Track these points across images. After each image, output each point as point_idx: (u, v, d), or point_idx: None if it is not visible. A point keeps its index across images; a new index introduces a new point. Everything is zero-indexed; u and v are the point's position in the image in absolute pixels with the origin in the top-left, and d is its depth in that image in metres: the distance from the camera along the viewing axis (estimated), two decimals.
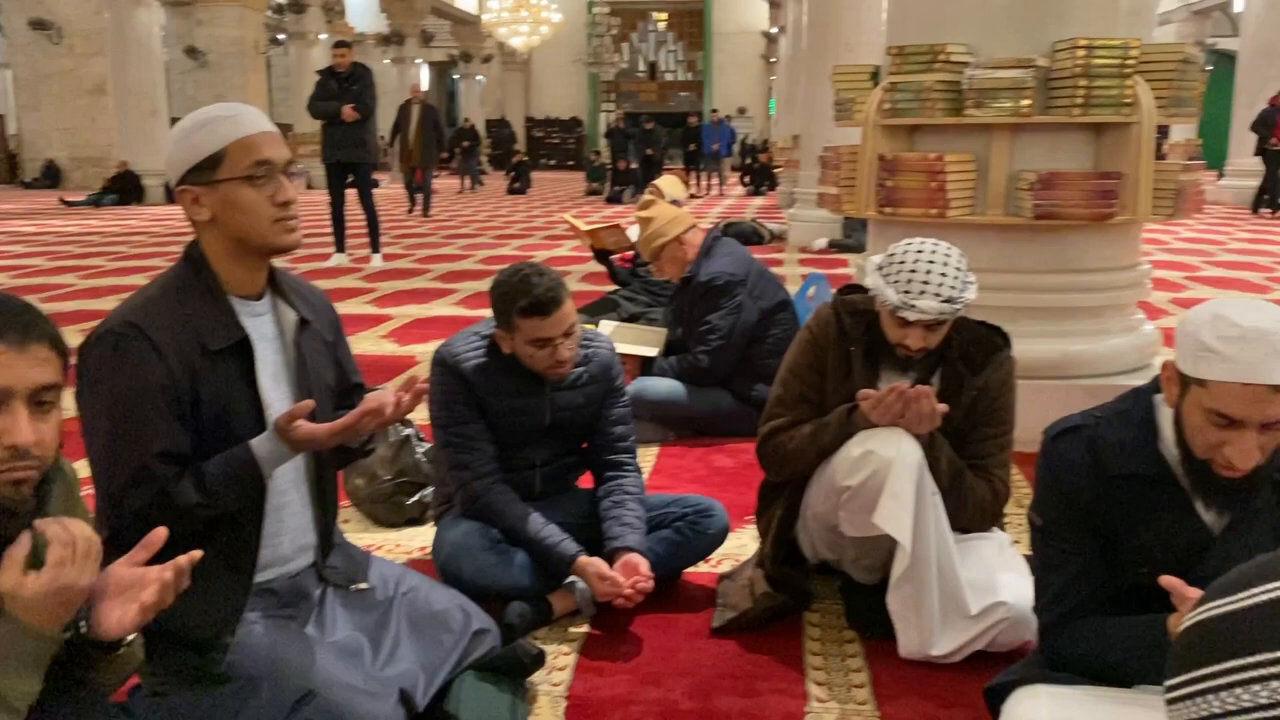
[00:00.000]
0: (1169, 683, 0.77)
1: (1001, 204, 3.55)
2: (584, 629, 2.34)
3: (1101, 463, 1.63)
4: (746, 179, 22.66)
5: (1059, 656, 1.69)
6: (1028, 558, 2.38)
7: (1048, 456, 1.71)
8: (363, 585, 1.93)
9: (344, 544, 2.01)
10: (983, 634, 2.13)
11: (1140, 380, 3.60)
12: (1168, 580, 1.45)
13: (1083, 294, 3.61)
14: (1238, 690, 0.69)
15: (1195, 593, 1.44)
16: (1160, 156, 3.73)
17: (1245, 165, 16.24)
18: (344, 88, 8.52)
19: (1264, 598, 0.71)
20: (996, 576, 2.16)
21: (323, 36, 22.90)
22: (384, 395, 1.76)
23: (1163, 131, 3.75)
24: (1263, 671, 0.68)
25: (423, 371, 3.76)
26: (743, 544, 2.79)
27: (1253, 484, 1.52)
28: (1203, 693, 0.71)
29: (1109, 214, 3.40)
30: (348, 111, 8.37)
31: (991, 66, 3.41)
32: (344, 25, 25.26)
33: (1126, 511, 1.62)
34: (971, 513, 2.25)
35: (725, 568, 2.61)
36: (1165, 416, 1.61)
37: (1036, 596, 1.76)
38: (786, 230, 11.00)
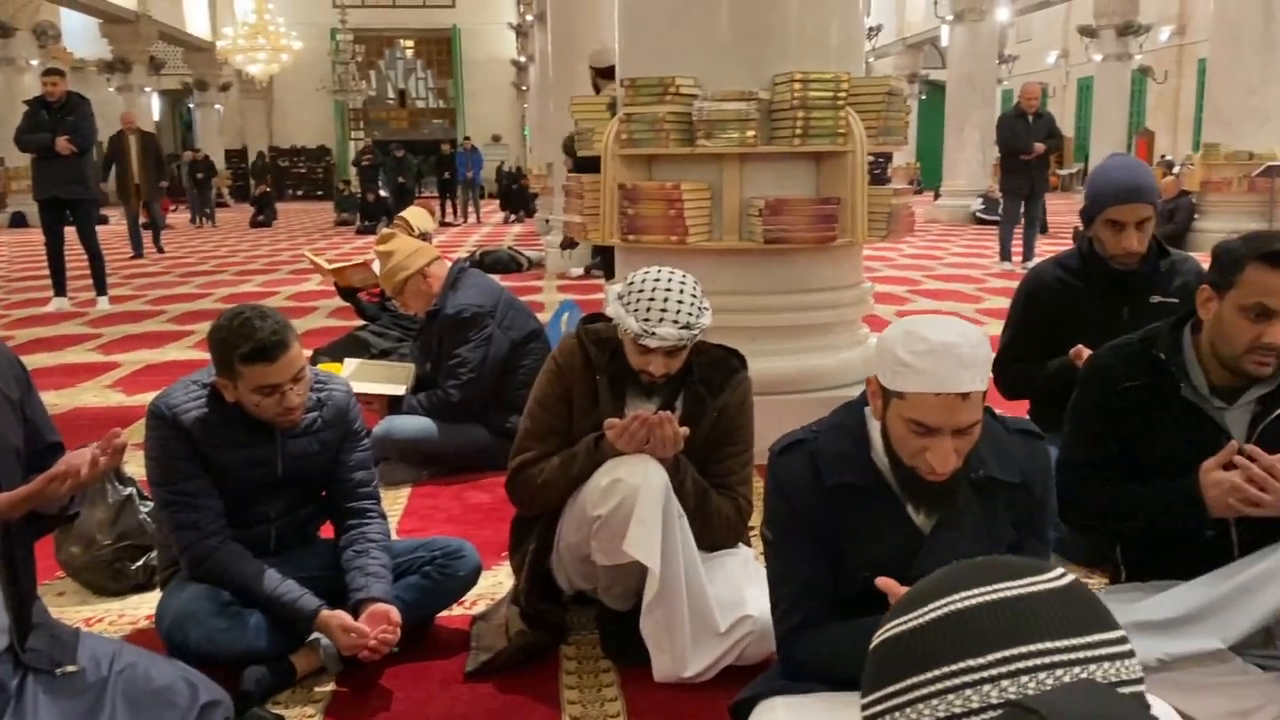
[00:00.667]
0: (863, 701, 0.79)
1: (735, 230, 3.70)
2: (330, 687, 2.22)
3: (821, 474, 1.71)
4: (506, 207, 22.65)
5: (795, 666, 1.75)
6: None
7: (774, 472, 1.77)
8: (70, 668, 1.74)
9: (47, 623, 1.82)
10: (731, 649, 2.19)
11: None
12: (883, 582, 1.54)
13: (812, 312, 3.81)
14: (920, 706, 0.72)
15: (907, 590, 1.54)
16: (885, 180, 4.00)
17: (958, 186, 17.78)
18: (57, 118, 7.85)
19: (939, 613, 0.74)
20: (743, 591, 2.22)
21: (34, 62, 21.02)
22: (79, 455, 1.60)
23: (886, 157, 4.03)
24: (941, 685, 0.71)
25: None
26: (498, 581, 2.75)
27: (953, 485, 1.64)
28: (891, 710, 0.74)
29: (831, 237, 3.61)
30: (62, 144, 7.71)
31: (718, 99, 3.56)
32: (61, 51, 23.29)
33: (846, 519, 1.70)
34: (717, 531, 2.31)
35: (480, 608, 2.56)
36: (874, 427, 1.71)
37: (772, 609, 1.82)
38: (544, 257, 11.05)
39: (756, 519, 2.74)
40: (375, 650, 2.14)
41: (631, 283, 2.23)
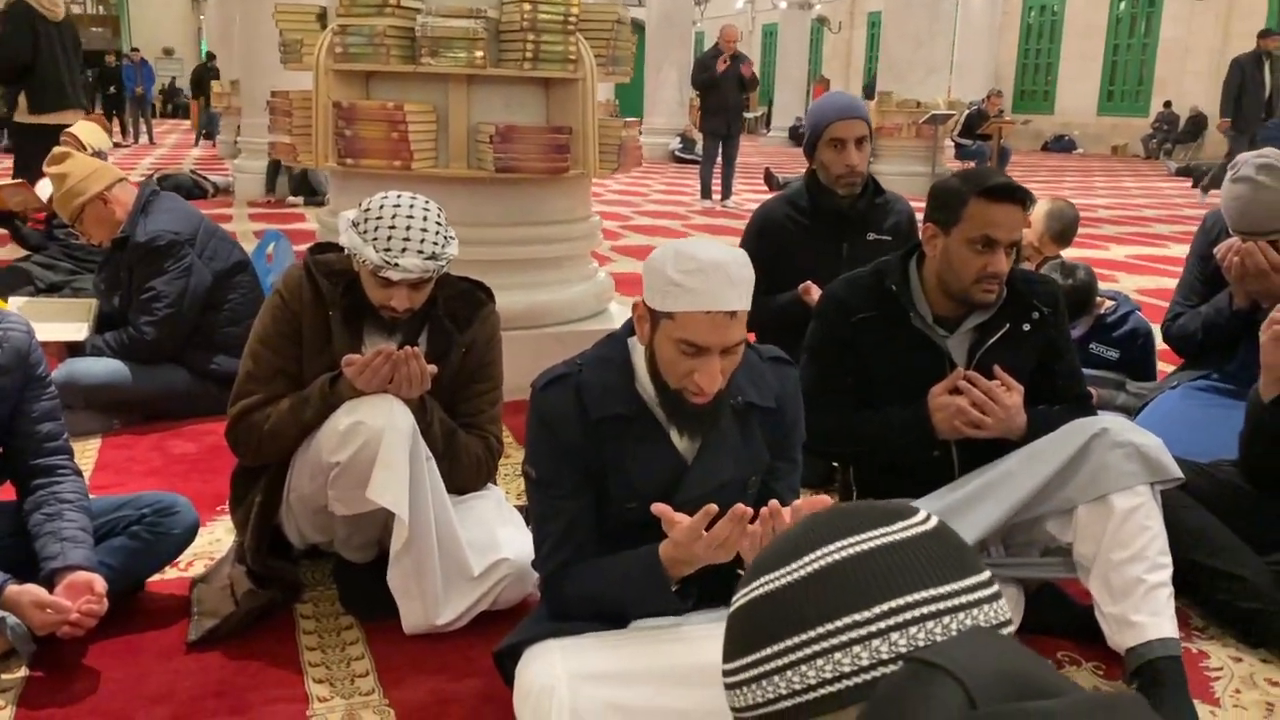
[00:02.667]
0: (726, 667, 0.73)
1: (464, 157, 3.53)
2: (22, 673, 1.92)
3: (587, 407, 1.66)
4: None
5: (563, 605, 1.70)
6: (521, 509, 2.42)
7: (538, 407, 1.70)
8: None
9: None
10: (487, 593, 2.10)
11: (600, 324, 3.87)
12: (659, 508, 1.53)
13: (545, 245, 3.73)
14: (802, 668, 0.67)
15: (682, 517, 1.52)
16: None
17: (657, 124, 18.19)
18: None
19: (814, 567, 0.69)
20: (496, 533, 2.14)
21: None
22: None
23: None
24: (827, 643, 0.66)
25: None
26: (216, 539, 2.50)
27: (717, 409, 1.64)
28: (769, 674, 0.68)
29: (564, 167, 3.53)
30: None
31: (444, 15, 3.35)
32: None
33: (613, 451, 1.67)
34: (467, 472, 2.20)
35: (198, 570, 2.31)
36: (639, 356, 1.68)
37: (536, 549, 1.76)
38: (232, 183, 10.20)
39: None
40: (77, 625, 1.87)
41: (368, 209, 2.05)
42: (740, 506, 1.49)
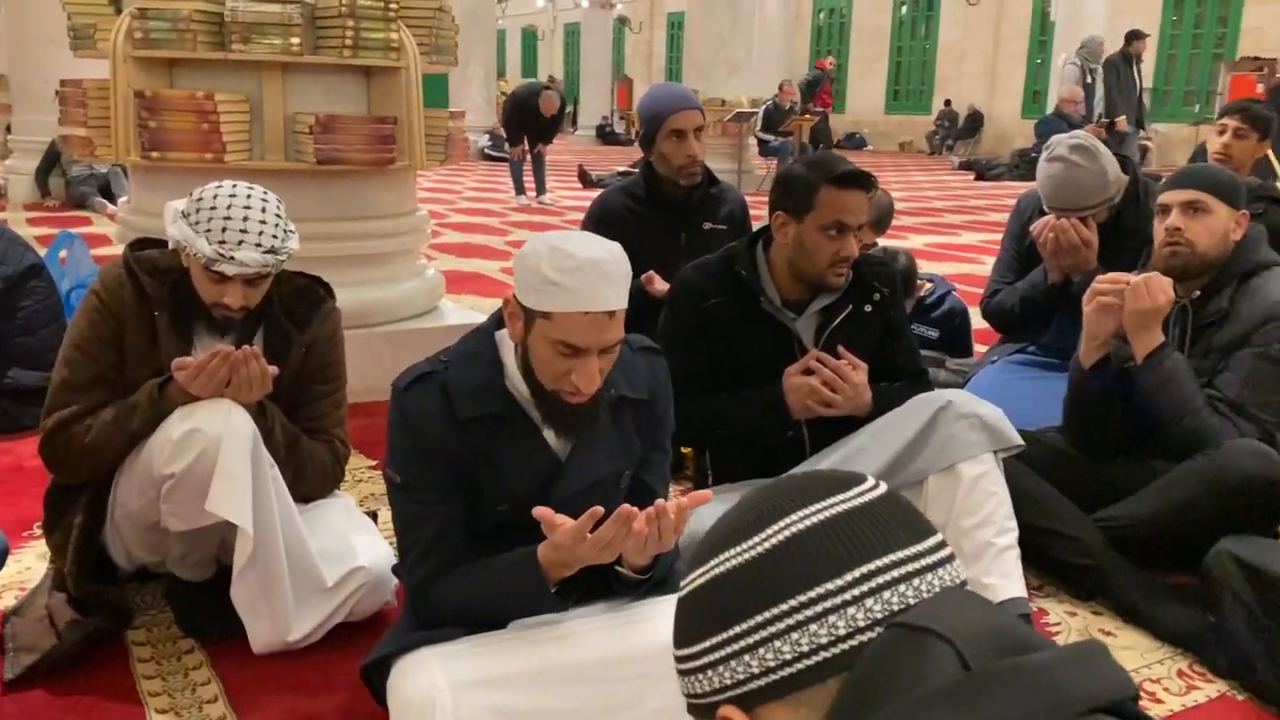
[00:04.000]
0: (683, 652, 0.70)
1: (280, 149, 3.35)
2: None
3: (454, 407, 1.59)
4: None
5: (435, 613, 1.63)
6: (371, 514, 2.32)
7: (401, 407, 1.62)
8: None
9: None
10: (343, 605, 2.00)
11: (432, 322, 3.76)
12: (540, 512, 1.48)
13: (372, 241, 3.59)
14: (775, 644, 0.64)
15: (564, 519, 1.48)
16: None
17: (466, 121, 17.85)
18: None
19: (778, 538, 0.67)
20: (350, 540, 2.03)
21: None
22: None
23: None
24: (800, 616, 0.64)
25: None
26: (27, 567, 2.27)
27: (594, 406, 1.60)
28: (740, 652, 0.65)
29: (390, 159, 3.40)
30: None
31: (256, 0, 3.17)
32: None
33: (482, 452, 1.61)
34: (314, 480, 2.08)
35: (9, 602, 2.09)
36: (507, 352, 1.62)
37: (402, 556, 1.68)
38: (4, 186, 9.35)
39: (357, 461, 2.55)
40: None
41: (201, 198, 1.90)
42: (626, 508, 1.46)
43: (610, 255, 1.51)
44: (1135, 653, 2.06)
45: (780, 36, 22.08)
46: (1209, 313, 2.35)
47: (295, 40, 3.21)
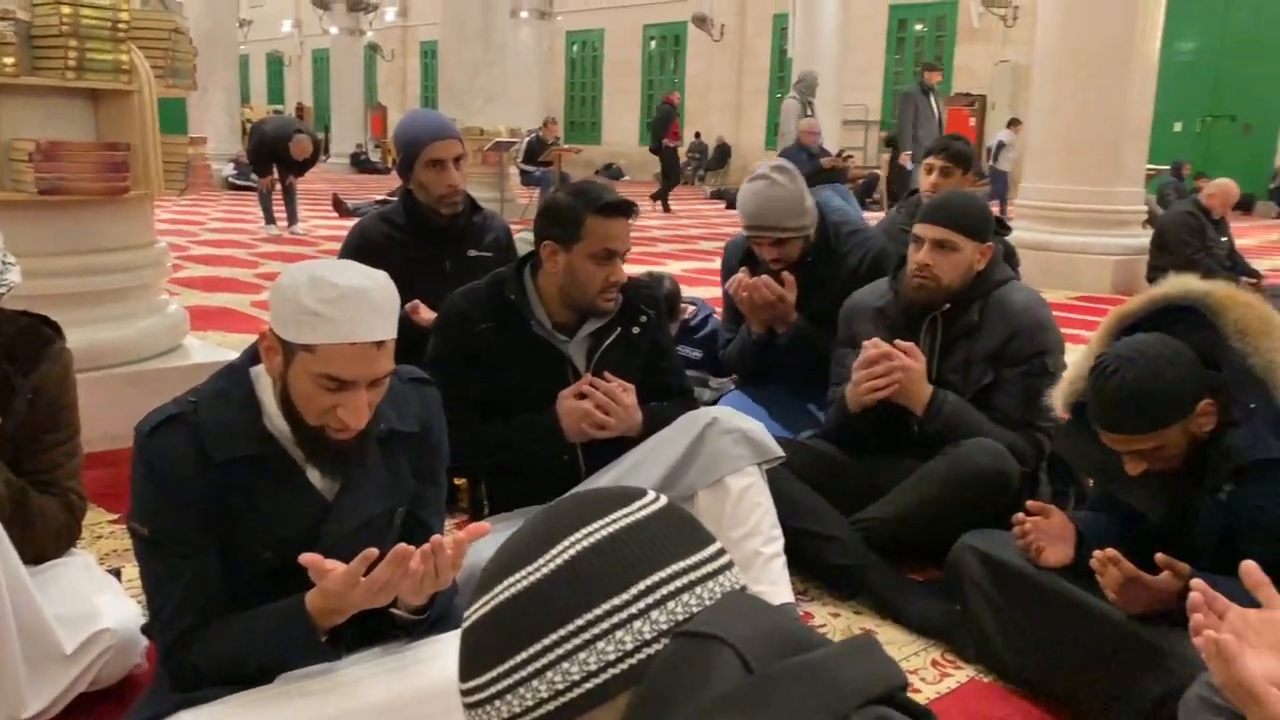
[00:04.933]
0: (470, 684, 0.68)
1: None
2: None
3: (207, 450, 1.49)
4: None
5: (192, 674, 1.51)
6: (114, 572, 2.13)
7: (145, 454, 1.50)
8: None
9: None
10: (84, 673, 1.81)
11: (177, 361, 3.52)
12: (307, 558, 1.40)
13: (103, 276, 3.32)
14: (564, 665, 0.64)
15: (334, 565, 1.40)
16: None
17: (208, 149, 16.91)
18: None
19: (564, 558, 0.66)
20: (93, 601, 1.85)
21: None
22: None
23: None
24: (589, 634, 0.63)
25: None
26: None
27: (362, 444, 1.54)
28: (529, 678, 0.64)
29: (123, 188, 3.17)
30: None
31: None
32: None
33: (240, 498, 1.51)
34: (45, 538, 1.88)
35: None
36: (264, 389, 1.54)
37: (154, 615, 1.55)
38: None
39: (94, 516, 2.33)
40: None
41: None
42: (402, 547, 1.41)
43: (376, 284, 1.46)
44: (894, 646, 2.20)
45: (535, 67, 22.37)
46: (960, 326, 2.54)
47: (9, 60, 2.93)
